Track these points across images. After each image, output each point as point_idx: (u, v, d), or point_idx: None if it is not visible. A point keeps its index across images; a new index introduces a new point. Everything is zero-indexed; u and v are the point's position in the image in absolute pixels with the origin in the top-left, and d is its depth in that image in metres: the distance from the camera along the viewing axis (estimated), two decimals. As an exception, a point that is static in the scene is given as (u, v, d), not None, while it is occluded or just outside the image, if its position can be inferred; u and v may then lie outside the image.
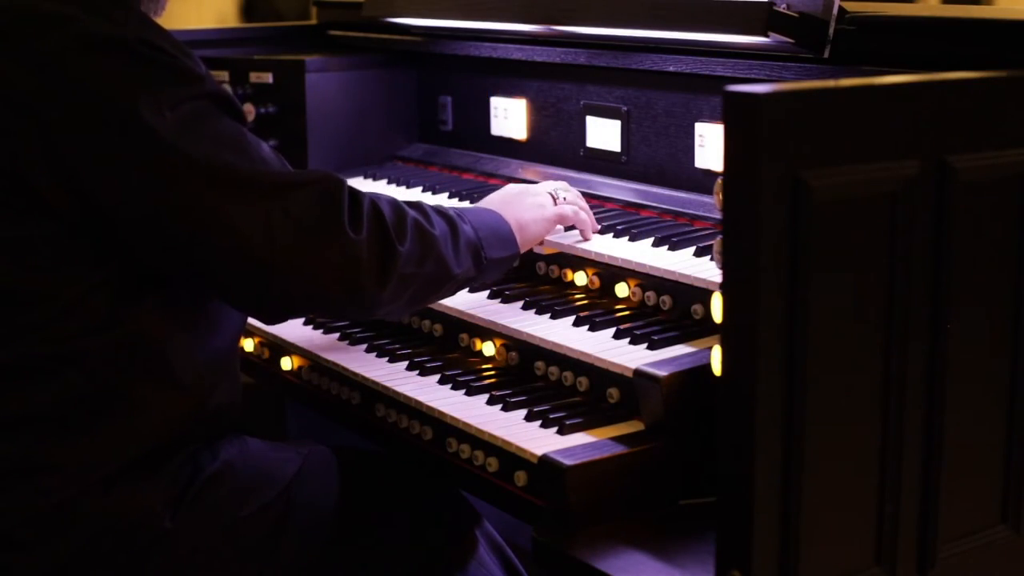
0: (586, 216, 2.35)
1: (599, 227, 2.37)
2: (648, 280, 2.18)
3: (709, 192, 2.35)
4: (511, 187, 2.34)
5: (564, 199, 2.33)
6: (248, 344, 2.59)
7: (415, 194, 2.81)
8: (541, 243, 2.32)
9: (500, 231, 2.18)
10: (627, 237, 2.32)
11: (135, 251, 1.87)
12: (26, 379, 1.85)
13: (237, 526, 1.94)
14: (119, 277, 1.86)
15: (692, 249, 2.22)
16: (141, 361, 1.89)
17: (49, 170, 1.79)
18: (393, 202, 2.01)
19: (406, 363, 2.27)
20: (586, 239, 2.34)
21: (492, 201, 2.28)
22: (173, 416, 1.93)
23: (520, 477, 1.92)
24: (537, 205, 2.29)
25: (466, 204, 2.54)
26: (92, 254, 1.84)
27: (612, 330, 2.09)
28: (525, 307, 2.25)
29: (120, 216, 1.82)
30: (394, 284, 1.96)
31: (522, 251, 2.25)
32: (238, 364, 2.10)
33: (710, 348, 1.95)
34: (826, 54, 2.11)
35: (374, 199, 1.97)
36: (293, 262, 1.87)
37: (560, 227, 2.35)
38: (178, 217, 1.83)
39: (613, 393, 2.01)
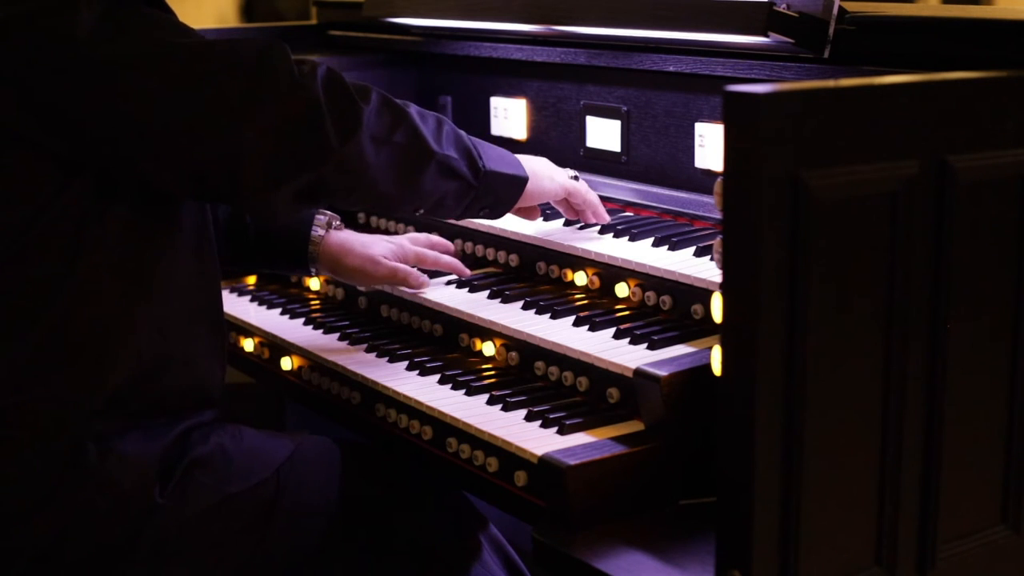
0: (595, 199, 2.38)
1: (609, 219, 2.38)
2: (648, 280, 2.18)
3: (709, 192, 2.35)
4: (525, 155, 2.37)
5: (578, 179, 2.38)
6: (248, 344, 2.59)
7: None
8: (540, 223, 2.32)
9: (504, 155, 2.21)
10: (627, 237, 2.32)
11: (108, 164, 1.90)
12: (5, 320, 1.88)
13: (227, 504, 1.96)
14: (85, 201, 1.89)
15: (692, 249, 2.22)
16: (116, 293, 1.92)
17: (6, 92, 1.84)
18: (358, 81, 2.03)
19: (406, 363, 2.27)
20: (602, 221, 2.36)
21: None
22: (153, 353, 1.96)
23: (520, 477, 1.92)
24: (552, 167, 2.33)
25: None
26: (57, 178, 1.87)
27: (612, 330, 2.09)
28: (525, 307, 2.25)
29: (80, 127, 1.86)
30: (364, 143, 1.96)
31: (530, 201, 2.27)
32: (223, 329, 2.13)
33: (710, 348, 1.95)
34: (826, 54, 2.11)
35: (331, 66, 1.98)
36: (249, 115, 1.88)
37: (555, 222, 2.37)
38: (131, 112, 1.86)
39: (613, 393, 2.01)
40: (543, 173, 2.29)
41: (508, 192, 2.21)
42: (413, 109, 2.07)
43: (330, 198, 2.05)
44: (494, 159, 2.18)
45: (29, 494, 1.86)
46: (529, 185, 2.23)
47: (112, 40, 1.85)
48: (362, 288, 2.48)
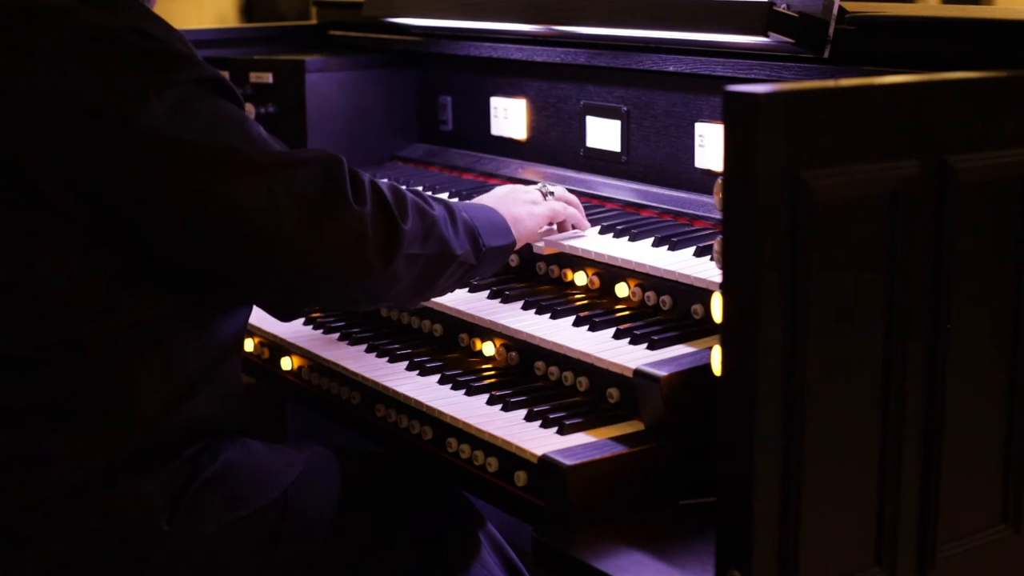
0: (576, 211, 2.39)
1: (588, 224, 2.39)
2: (648, 280, 2.18)
3: (709, 192, 2.35)
4: (500, 188, 2.38)
5: (552, 194, 2.37)
6: (248, 344, 2.58)
7: (415, 194, 2.81)
8: (541, 243, 2.33)
9: (495, 221, 2.22)
10: (627, 237, 2.32)
11: (143, 242, 1.87)
12: (23, 369, 1.85)
13: (234, 528, 1.94)
14: (115, 266, 1.86)
15: (692, 249, 2.22)
16: (137, 350, 1.89)
17: (50, 165, 1.80)
18: (390, 184, 2.04)
19: (406, 363, 2.27)
20: (583, 228, 2.37)
21: (483, 200, 2.31)
22: (170, 409, 1.93)
23: (520, 477, 1.92)
24: (529, 202, 2.32)
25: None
26: (89, 244, 1.84)
27: (612, 330, 2.09)
28: (525, 307, 2.25)
29: (125, 210, 1.83)
30: (400, 263, 1.97)
31: (518, 245, 2.27)
32: (239, 364, 2.09)
33: (710, 348, 1.95)
34: (826, 54, 2.11)
35: (373, 179, 1.99)
36: (300, 239, 1.87)
37: (555, 226, 2.37)
38: (181, 206, 1.83)
39: (613, 393, 2.01)
40: (521, 213, 2.28)
41: (499, 260, 2.24)
42: (438, 211, 2.07)
43: (352, 308, 2.09)
44: (488, 231, 2.18)
45: (33, 522, 1.84)
46: (516, 237, 2.24)
47: (174, 138, 1.81)
48: None
